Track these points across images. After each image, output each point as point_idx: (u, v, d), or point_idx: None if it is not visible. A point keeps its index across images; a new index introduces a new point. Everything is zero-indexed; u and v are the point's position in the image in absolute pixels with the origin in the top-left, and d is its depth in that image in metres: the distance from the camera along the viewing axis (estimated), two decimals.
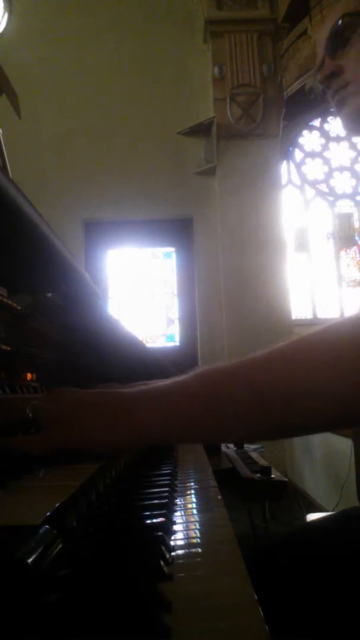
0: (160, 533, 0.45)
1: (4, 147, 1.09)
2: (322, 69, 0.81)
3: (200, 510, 0.58)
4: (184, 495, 0.64)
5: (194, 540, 0.47)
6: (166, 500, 0.57)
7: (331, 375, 0.49)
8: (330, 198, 7.84)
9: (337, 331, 0.53)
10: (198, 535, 0.49)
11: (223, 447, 2.31)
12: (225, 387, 0.55)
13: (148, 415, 0.56)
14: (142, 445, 0.66)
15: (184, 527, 0.51)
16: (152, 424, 0.55)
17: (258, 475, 1.89)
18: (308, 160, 7.88)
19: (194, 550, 0.44)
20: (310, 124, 7.84)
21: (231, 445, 2.49)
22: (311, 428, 0.56)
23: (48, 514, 0.36)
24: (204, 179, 4.48)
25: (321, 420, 0.53)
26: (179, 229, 4.56)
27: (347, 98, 0.79)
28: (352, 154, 7.90)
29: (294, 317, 4.78)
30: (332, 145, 7.89)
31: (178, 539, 0.47)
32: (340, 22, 0.78)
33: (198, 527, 0.52)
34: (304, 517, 2.66)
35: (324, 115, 7.57)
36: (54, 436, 0.56)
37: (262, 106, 4.38)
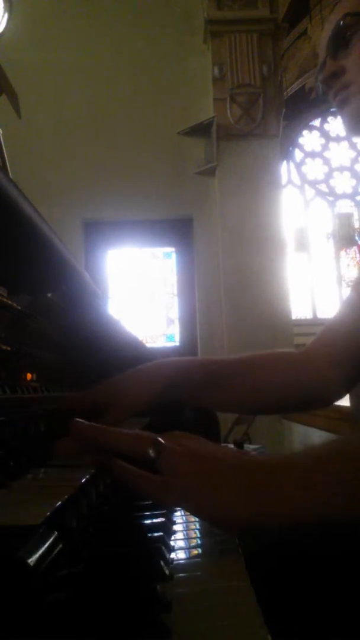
0: (160, 533, 0.45)
1: (4, 147, 1.09)
2: (323, 69, 0.81)
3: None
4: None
5: (194, 541, 0.47)
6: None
7: None
8: (330, 198, 7.85)
9: None
10: (198, 535, 0.49)
11: (222, 445, 2.31)
12: None
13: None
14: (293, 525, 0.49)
15: (184, 527, 0.51)
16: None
17: None
18: (308, 160, 7.88)
19: (194, 550, 0.44)
20: (310, 124, 7.85)
21: (231, 445, 2.49)
22: None
23: (48, 514, 0.36)
24: (204, 179, 4.48)
25: None
26: (179, 229, 4.56)
27: (349, 98, 0.80)
28: (352, 154, 7.91)
29: (294, 317, 4.78)
30: (332, 145, 7.89)
31: (178, 539, 0.47)
32: (342, 22, 0.77)
33: (198, 527, 0.52)
34: None
35: (324, 115, 7.57)
36: (177, 490, 0.45)
37: (262, 106, 4.38)
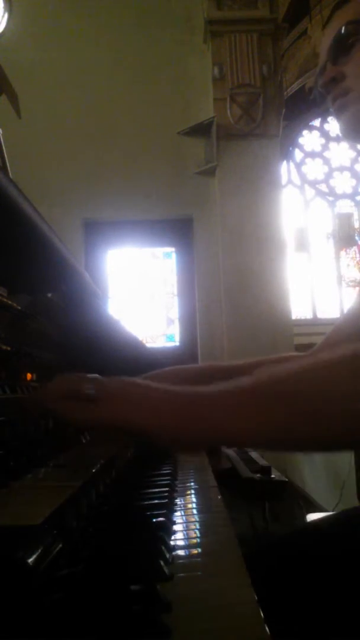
0: (160, 533, 0.45)
1: (4, 147, 1.09)
2: (323, 74, 0.82)
3: (200, 510, 0.58)
4: (184, 495, 0.64)
5: (194, 541, 0.47)
6: (166, 500, 0.57)
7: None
8: (330, 198, 7.85)
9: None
10: (198, 535, 0.49)
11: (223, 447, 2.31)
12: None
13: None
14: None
15: (184, 527, 0.51)
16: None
17: (258, 475, 1.89)
18: (308, 160, 7.88)
19: (194, 550, 0.44)
20: (310, 124, 7.85)
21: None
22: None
23: (48, 514, 0.36)
24: (204, 179, 4.48)
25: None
26: (179, 229, 4.55)
27: (348, 105, 0.80)
28: (352, 154, 7.90)
29: (294, 317, 4.78)
30: (332, 145, 7.89)
31: (178, 538, 0.47)
32: (344, 29, 0.78)
33: (198, 527, 0.52)
34: (304, 517, 2.66)
35: (324, 115, 7.57)
36: (113, 409, 0.54)
37: (262, 106, 4.38)
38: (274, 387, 0.52)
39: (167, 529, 0.48)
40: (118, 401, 0.56)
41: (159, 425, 0.53)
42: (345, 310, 0.95)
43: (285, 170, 7.43)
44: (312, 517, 1.91)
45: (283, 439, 0.52)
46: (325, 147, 7.90)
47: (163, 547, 0.41)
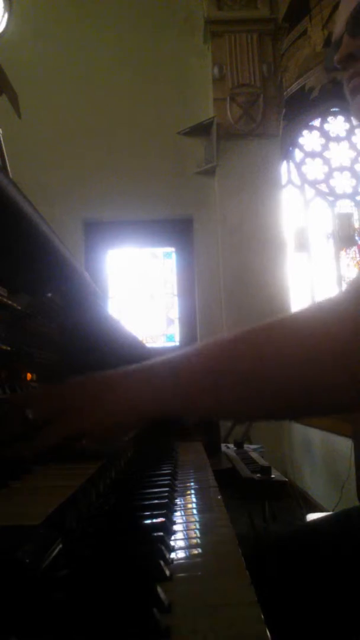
0: (160, 533, 0.45)
1: (4, 147, 1.09)
2: (340, 48, 0.70)
3: (200, 510, 0.58)
4: (184, 495, 0.64)
5: (194, 541, 0.47)
6: (166, 500, 0.57)
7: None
8: (330, 198, 7.84)
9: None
10: (198, 535, 0.49)
11: (223, 447, 2.31)
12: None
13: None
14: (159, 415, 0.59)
15: (184, 527, 0.51)
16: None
17: (258, 475, 1.89)
18: (308, 160, 7.88)
19: (194, 550, 0.44)
20: (310, 124, 7.84)
21: (231, 445, 2.49)
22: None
23: (48, 514, 0.36)
24: (204, 179, 4.48)
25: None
26: (179, 229, 4.56)
27: None
28: (352, 154, 7.89)
29: None
30: (332, 145, 7.88)
31: (178, 539, 0.47)
32: None
33: (198, 527, 0.52)
34: (304, 517, 2.66)
35: (324, 115, 7.56)
36: (71, 420, 0.55)
37: (262, 106, 4.38)
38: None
39: (167, 529, 0.48)
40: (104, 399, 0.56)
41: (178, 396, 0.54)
42: None
43: (285, 170, 7.42)
44: (312, 517, 1.91)
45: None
46: (325, 147, 7.90)
47: (163, 547, 0.41)
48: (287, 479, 2.04)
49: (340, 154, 7.84)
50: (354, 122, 6.65)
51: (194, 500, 0.63)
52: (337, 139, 7.73)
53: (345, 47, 0.68)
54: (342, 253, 7.67)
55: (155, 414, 0.56)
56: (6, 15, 4.57)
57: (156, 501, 0.57)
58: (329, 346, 0.50)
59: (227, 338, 0.57)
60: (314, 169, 7.80)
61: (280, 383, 0.52)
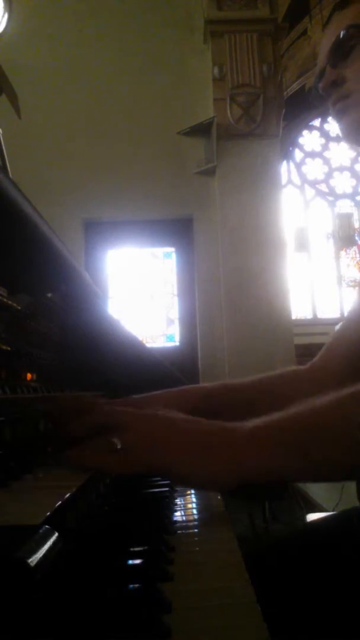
0: (160, 533, 0.45)
1: (4, 147, 1.09)
2: (323, 77, 0.82)
3: (200, 510, 0.58)
4: (184, 495, 0.64)
5: (194, 540, 0.47)
6: (166, 500, 0.57)
7: None
8: (330, 198, 7.85)
9: None
10: (198, 535, 0.49)
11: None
12: None
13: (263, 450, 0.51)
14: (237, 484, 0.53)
15: (184, 526, 0.51)
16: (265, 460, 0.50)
17: None
18: (308, 160, 7.88)
19: (193, 550, 0.44)
20: (310, 124, 7.85)
21: None
22: None
23: (48, 514, 0.36)
24: (204, 179, 4.48)
25: None
26: (179, 229, 4.55)
27: (349, 108, 0.80)
28: (352, 154, 7.90)
29: (294, 317, 4.78)
30: (332, 145, 7.89)
31: (178, 538, 0.47)
32: (344, 32, 0.78)
33: (198, 527, 0.52)
34: (304, 517, 2.66)
35: (324, 115, 7.56)
36: (141, 458, 0.51)
37: (262, 106, 4.38)
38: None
39: (167, 530, 0.48)
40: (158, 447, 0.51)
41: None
42: (346, 314, 0.95)
43: (285, 170, 7.43)
44: (312, 517, 1.91)
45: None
46: (325, 147, 7.90)
47: (163, 547, 0.41)
48: None
49: (340, 154, 7.85)
50: None
51: (194, 500, 0.63)
52: (337, 139, 7.73)
53: (329, 76, 0.80)
54: (342, 253, 7.68)
55: (259, 480, 0.52)
56: (6, 15, 4.57)
57: (156, 501, 0.57)
58: None
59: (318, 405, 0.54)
60: (314, 169, 7.80)
61: None
